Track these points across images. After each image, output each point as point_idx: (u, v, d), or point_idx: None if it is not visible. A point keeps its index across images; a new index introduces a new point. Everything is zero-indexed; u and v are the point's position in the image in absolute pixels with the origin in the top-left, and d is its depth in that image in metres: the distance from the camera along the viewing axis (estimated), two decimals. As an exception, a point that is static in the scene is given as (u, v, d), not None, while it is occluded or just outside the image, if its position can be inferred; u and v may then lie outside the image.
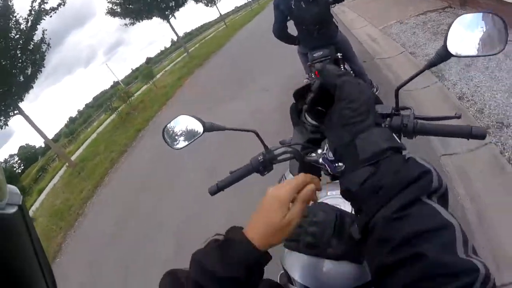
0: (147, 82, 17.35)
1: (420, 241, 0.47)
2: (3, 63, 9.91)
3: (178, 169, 5.62)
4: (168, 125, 1.28)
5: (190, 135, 1.25)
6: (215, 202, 3.88)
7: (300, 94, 1.44)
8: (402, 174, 0.53)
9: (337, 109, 0.65)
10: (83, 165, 11.19)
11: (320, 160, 1.22)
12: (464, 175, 2.54)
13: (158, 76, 20.90)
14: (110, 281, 4.16)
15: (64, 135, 65.43)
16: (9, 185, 0.37)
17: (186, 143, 1.25)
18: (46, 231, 7.79)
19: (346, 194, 0.60)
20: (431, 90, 3.81)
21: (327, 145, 1.24)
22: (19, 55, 10.48)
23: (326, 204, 0.98)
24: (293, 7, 3.42)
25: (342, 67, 3.63)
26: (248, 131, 1.25)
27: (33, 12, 10.44)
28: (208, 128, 1.21)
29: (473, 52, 0.92)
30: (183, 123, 1.26)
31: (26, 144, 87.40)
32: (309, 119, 1.41)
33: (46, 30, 11.05)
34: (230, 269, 0.60)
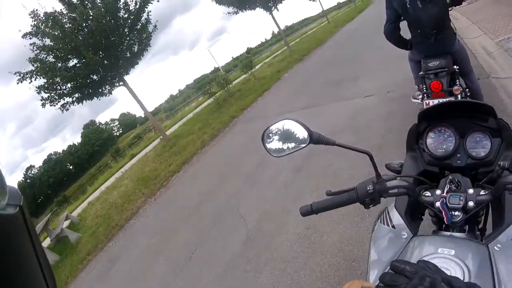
0: (246, 72, 17.66)
1: None
2: (112, 39, 10.93)
3: (264, 160, 5.59)
4: (271, 128, 1.14)
5: (293, 143, 1.10)
6: (296, 203, 3.82)
7: (426, 115, 1.27)
8: None
9: None
10: (176, 141, 11.82)
11: (437, 204, 1.04)
12: None
13: (257, 67, 21.24)
14: (175, 254, 4.30)
15: (164, 110, 70.03)
16: (9, 185, 0.37)
17: (287, 152, 1.12)
18: (129, 193, 8.38)
19: None
20: None
21: (448, 186, 1.07)
22: (127, 33, 11.55)
23: (434, 265, 0.74)
24: (408, 6, 3.09)
25: (457, 82, 3.24)
26: (361, 151, 1.06)
27: None
28: (315, 139, 1.06)
29: None
30: (288, 128, 1.11)
31: (127, 112, 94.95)
32: (430, 146, 1.25)
33: (151, 11, 11.95)
34: None
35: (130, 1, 11.37)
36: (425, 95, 3.22)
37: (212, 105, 15.00)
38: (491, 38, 6.23)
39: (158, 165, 9.87)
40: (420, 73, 3.30)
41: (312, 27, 54.43)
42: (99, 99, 11.89)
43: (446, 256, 0.92)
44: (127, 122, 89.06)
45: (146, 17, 11.90)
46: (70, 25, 10.44)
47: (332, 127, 5.55)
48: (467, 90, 3.43)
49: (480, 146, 1.17)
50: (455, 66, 3.25)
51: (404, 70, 4.25)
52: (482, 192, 1.03)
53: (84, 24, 10.49)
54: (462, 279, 0.82)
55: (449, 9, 3.32)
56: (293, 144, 1.10)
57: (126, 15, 11.33)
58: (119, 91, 14.87)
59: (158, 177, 8.48)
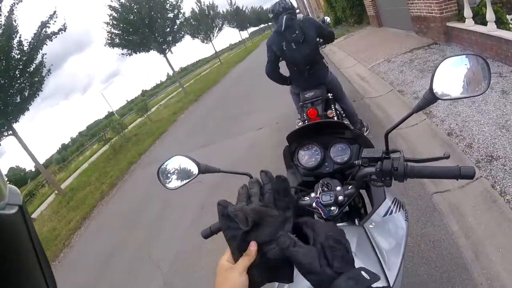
0: (142, 115, 17.44)
1: None
2: (2, 82, 9.92)
3: (167, 203, 5.64)
4: (163, 165, 1.29)
5: (185, 175, 1.28)
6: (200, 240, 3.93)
7: (293, 137, 1.55)
8: None
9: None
10: (73, 195, 11.03)
11: (314, 204, 1.26)
12: (456, 211, 2.57)
13: (153, 109, 21.10)
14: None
15: (56, 161, 64.44)
16: (9, 185, 0.37)
17: (181, 183, 1.28)
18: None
19: None
20: (420, 127, 3.92)
21: (320, 188, 1.31)
22: (18, 75, 10.47)
23: None
24: (284, 48, 3.57)
25: (333, 107, 3.79)
26: (242, 174, 1.28)
27: (37, 36, 10.61)
28: (203, 169, 1.25)
29: (458, 94, 0.96)
30: (178, 163, 1.28)
31: (16, 166, 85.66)
32: (302, 161, 1.52)
33: (45, 54, 11.14)
34: None
35: (25, 41, 10.43)
36: (305, 121, 3.69)
37: (108, 152, 14.41)
38: (364, 66, 7.22)
39: (56, 223, 9.10)
40: (299, 103, 3.77)
41: (206, 68, 55.58)
42: None
43: None
44: (17, 177, 79.86)
45: (41, 59, 11.02)
46: None
47: (229, 161, 5.93)
48: (342, 112, 4.04)
49: (342, 153, 1.44)
50: (329, 94, 3.79)
51: (289, 103, 4.74)
52: (349, 187, 1.28)
53: None
54: None
55: (322, 47, 3.93)
56: (185, 177, 1.28)
57: (18, 56, 10.27)
58: (6, 142, 13.33)
59: (59, 237, 7.85)
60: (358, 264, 0.89)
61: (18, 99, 10.73)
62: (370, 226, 1.17)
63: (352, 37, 11.80)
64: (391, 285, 0.99)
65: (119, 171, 10.21)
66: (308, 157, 1.51)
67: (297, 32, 3.48)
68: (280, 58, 3.82)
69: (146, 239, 5.09)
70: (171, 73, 24.24)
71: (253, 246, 0.69)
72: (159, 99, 38.12)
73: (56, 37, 11.14)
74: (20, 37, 10.28)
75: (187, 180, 1.27)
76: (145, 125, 16.32)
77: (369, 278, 0.59)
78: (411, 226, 2.55)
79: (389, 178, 1.05)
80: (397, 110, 4.63)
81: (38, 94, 11.45)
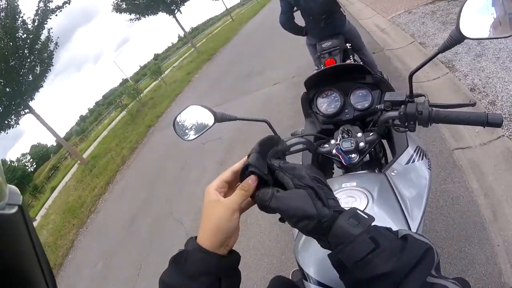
0: (156, 79, 17.36)
1: None
2: (12, 63, 10.03)
3: (187, 163, 5.63)
4: (178, 117, 1.24)
5: (200, 126, 1.21)
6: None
7: (311, 83, 1.44)
8: (406, 256, 0.51)
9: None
10: (95, 162, 11.27)
11: (334, 151, 1.20)
12: (477, 169, 2.49)
13: (166, 72, 20.96)
14: (123, 274, 4.20)
15: (76, 133, 66.02)
16: (9, 185, 0.36)
17: (197, 134, 1.22)
18: (59, 228, 7.89)
19: (340, 268, 0.56)
20: (442, 81, 3.73)
21: (340, 135, 1.24)
22: (27, 54, 10.58)
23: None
24: None
25: (351, 57, 3.56)
26: (259, 120, 1.24)
27: (39, 12, 10.55)
28: (219, 118, 1.18)
29: (486, 34, 0.91)
30: (194, 114, 1.22)
31: (38, 143, 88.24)
32: (321, 108, 1.43)
33: (51, 28, 11.15)
34: (192, 282, 0.58)
35: (28, 19, 10.41)
36: None
37: (126, 118, 14.54)
38: (383, 17, 6.86)
39: (81, 191, 9.35)
40: (316, 54, 3.55)
41: (217, 26, 54.67)
42: (7, 133, 10.81)
43: (349, 188, 1.05)
44: (40, 154, 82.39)
45: (47, 34, 11.04)
46: None
47: (246, 114, 5.74)
48: (361, 63, 3.78)
49: (363, 99, 1.35)
50: (347, 44, 3.55)
51: (305, 55, 4.52)
52: (370, 134, 1.22)
53: None
54: (366, 203, 0.96)
55: None
56: (201, 126, 1.20)
57: (24, 35, 10.33)
58: (25, 121, 13.82)
59: (85, 204, 8.05)
60: (379, 211, 0.94)
61: (31, 77, 10.88)
62: (392, 173, 1.12)
63: None
64: None
65: (138, 135, 10.28)
66: (327, 104, 1.44)
67: None
68: (295, 8, 3.58)
69: (168, 198, 5.12)
70: (182, 34, 23.90)
71: (252, 180, 0.64)
72: (172, 61, 37.91)
73: (60, 11, 11.05)
74: (22, 16, 10.25)
75: (203, 130, 1.21)
76: (160, 88, 16.31)
77: (367, 217, 0.57)
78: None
79: (413, 122, 1.00)
80: (418, 62, 4.32)
81: (49, 70, 11.58)
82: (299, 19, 3.70)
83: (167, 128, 9.01)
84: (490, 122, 0.87)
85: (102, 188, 8.15)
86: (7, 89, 10.11)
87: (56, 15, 11.00)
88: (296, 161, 1.26)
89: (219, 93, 8.91)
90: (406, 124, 1.02)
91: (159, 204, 5.16)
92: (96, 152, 13.31)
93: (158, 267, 3.85)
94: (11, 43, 9.91)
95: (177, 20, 20.99)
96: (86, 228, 6.89)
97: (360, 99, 1.36)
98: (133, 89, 15.56)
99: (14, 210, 0.35)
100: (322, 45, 3.47)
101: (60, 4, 10.93)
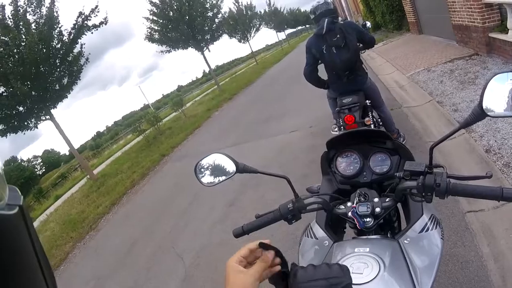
0: (177, 110, 17.70)
1: None
2: (42, 69, 10.44)
3: (196, 198, 5.67)
4: (201, 161, 1.29)
5: (222, 173, 1.25)
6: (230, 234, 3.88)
7: (333, 143, 1.52)
8: None
9: None
10: (104, 181, 11.35)
11: (349, 214, 1.22)
12: (489, 233, 2.49)
13: (188, 104, 21.38)
14: None
15: (90, 148, 66.52)
16: (9, 185, 0.37)
17: (217, 181, 1.27)
18: (56, 237, 7.90)
19: None
20: (457, 141, 3.76)
21: (357, 198, 1.27)
22: (58, 64, 11.05)
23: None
24: (324, 51, 3.53)
25: (370, 114, 3.69)
26: (280, 176, 1.26)
27: (76, 27, 11.10)
28: (240, 169, 1.23)
29: (508, 112, 0.93)
30: (216, 160, 1.27)
31: (51, 148, 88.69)
32: (340, 168, 1.49)
33: (84, 44, 11.63)
34: None
35: (65, 31, 11.00)
36: (341, 127, 3.61)
37: (142, 143, 14.72)
38: (403, 73, 7.04)
39: (85, 207, 9.40)
40: (336, 109, 3.68)
41: (242, 67, 55.92)
42: (24, 133, 11.09)
43: (362, 254, 1.05)
44: (51, 160, 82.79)
45: (80, 49, 11.54)
46: (1, 49, 9.80)
47: (261, 161, 5.92)
48: (379, 120, 3.93)
49: (382, 163, 1.40)
50: (367, 101, 3.69)
51: (324, 107, 4.65)
52: (387, 200, 1.23)
53: (15, 50, 9.88)
54: (378, 270, 0.97)
55: (362, 52, 3.84)
56: (222, 174, 1.26)
57: (59, 45, 10.86)
58: (44, 126, 14.09)
59: (86, 219, 8.08)
60: (389, 279, 0.94)
61: (57, 87, 11.29)
62: (405, 241, 1.13)
63: (391, 43, 11.57)
64: None
65: (151, 162, 10.39)
66: (346, 164, 1.48)
67: (338, 36, 3.42)
68: (319, 61, 3.77)
69: (172, 231, 5.13)
70: (207, 70, 24.44)
71: (270, 254, 0.75)
72: (194, 95, 38.59)
73: (96, 29, 11.61)
74: (60, 28, 10.85)
75: (224, 178, 1.27)
76: (179, 120, 16.56)
77: None
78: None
79: (430, 194, 1.03)
80: (435, 121, 4.48)
81: (76, 83, 12.00)
82: (321, 72, 3.88)
83: (181, 160, 9.15)
84: (505, 196, 0.92)
85: (107, 207, 8.19)
86: (33, 92, 10.44)
87: (92, 32, 11.56)
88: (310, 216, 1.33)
89: (236, 133, 9.08)
90: (423, 194, 1.05)
91: (161, 235, 5.17)
92: (107, 171, 13.41)
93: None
94: (44, 50, 10.37)
95: (204, 57, 21.65)
96: (83, 243, 6.89)
97: (379, 163, 1.41)
98: (153, 116, 15.85)
99: (14, 210, 0.35)
100: (343, 101, 3.60)
101: (97, 23, 11.48)
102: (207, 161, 1.30)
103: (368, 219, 1.21)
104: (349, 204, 1.28)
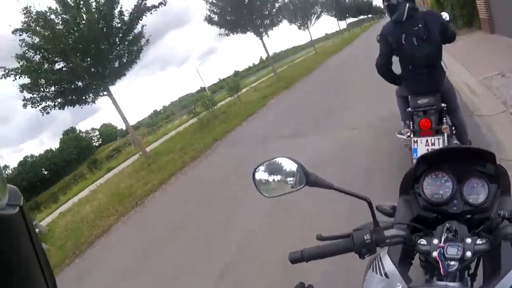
0: (232, 95, 17.71)
1: None
2: (102, 47, 10.82)
3: (244, 193, 5.28)
4: (262, 165, 1.07)
5: (286, 183, 1.03)
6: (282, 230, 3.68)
7: (426, 159, 1.22)
8: None
9: None
10: (156, 158, 11.61)
11: (434, 254, 0.98)
12: None
13: (243, 90, 21.32)
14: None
15: (146, 125, 69.25)
16: (9, 186, 0.37)
17: (281, 193, 1.04)
18: (102, 209, 8.12)
19: None
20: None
21: (445, 234, 1.00)
22: (118, 43, 11.44)
23: None
24: (403, 42, 3.13)
25: (444, 120, 3.25)
26: (360, 197, 1.01)
27: (136, 7, 11.38)
28: (312, 182, 1.00)
29: None
30: (281, 166, 1.04)
31: (109, 122, 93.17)
32: (426, 191, 1.18)
33: (145, 25, 11.96)
34: None
35: (126, 11, 11.32)
36: (414, 132, 3.21)
37: (196, 125, 14.90)
38: (474, 76, 6.37)
39: (134, 182, 9.63)
40: (408, 109, 3.31)
41: (300, 56, 55.10)
42: (82, 107, 11.68)
43: None
44: (108, 133, 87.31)
45: (140, 29, 11.88)
46: (62, 26, 10.31)
47: (319, 160, 5.37)
48: (453, 128, 3.44)
49: (477, 192, 1.12)
50: (443, 104, 3.26)
51: (388, 104, 4.21)
52: (478, 241, 0.98)
53: (75, 28, 10.32)
54: None
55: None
56: (287, 185, 1.03)
57: (119, 25, 11.24)
58: (103, 101, 14.80)
59: (134, 194, 8.25)
60: None
61: (116, 65, 11.73)
62: None
63: (461, 41, 10.51)
64: None
65: (204, 145, 10.42)
66: (435, 187, 1.18)
67: (420, 25, 3.03)
68: (395, 52, 3.31)
69: (217, 219, 4.98)
70: (264, 56, 24.34)
71: None
72: (250, 81, 38.54)
73: (156, 10, 11.77)
74: (121, 7, 11.19)
75: (289, 189, 1.03)
76: (234, 105, 16.60)
77: None
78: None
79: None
80: (510, 135, 3.89)
81: (136, 62, 12.40)
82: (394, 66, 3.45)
83: (233, 146, 9.09)
84: None
85: (155, 186, 8.32)
86: (92, 69, 10.88)
87: (151, 13, 11.76)
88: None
89: (290, 125, 8.71)
90: None
91: (206, 222, 5.03)
92: (159, 149, 13.75)
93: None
94: (104, 29, 10.77)
95: (263, 43, 21.53)
96: (127, 218, 7.00)
97: (474, 192, 1.12)
98: (209, 100, 15.95)
99: (14, 210, 0.35)
100: (418, 101, 3.21)
101: (156, 4, 11.64)
102: (269, 166, 1.06)
103: (453, 263, 0.96)
104: (435, 241, 1.01)
